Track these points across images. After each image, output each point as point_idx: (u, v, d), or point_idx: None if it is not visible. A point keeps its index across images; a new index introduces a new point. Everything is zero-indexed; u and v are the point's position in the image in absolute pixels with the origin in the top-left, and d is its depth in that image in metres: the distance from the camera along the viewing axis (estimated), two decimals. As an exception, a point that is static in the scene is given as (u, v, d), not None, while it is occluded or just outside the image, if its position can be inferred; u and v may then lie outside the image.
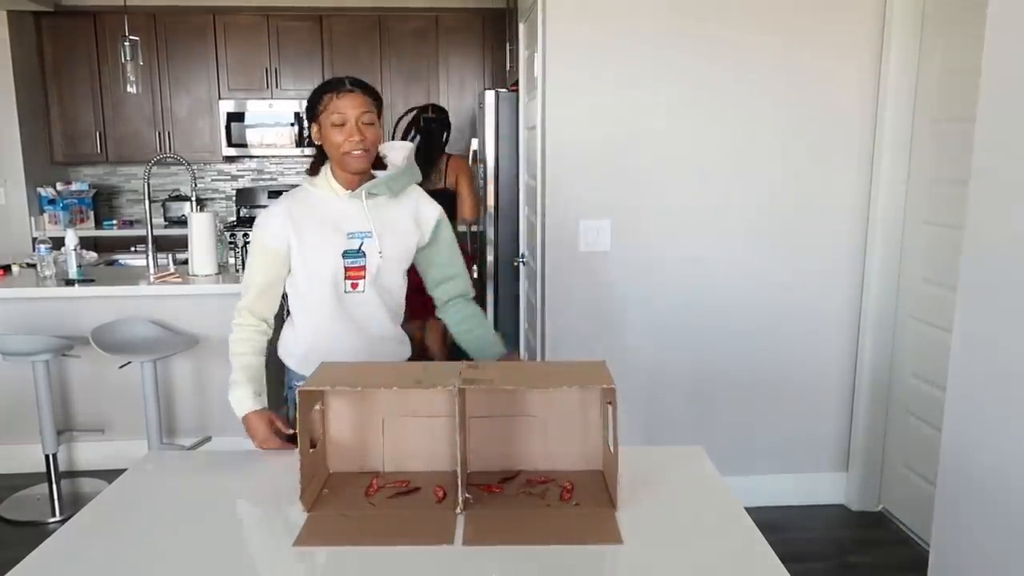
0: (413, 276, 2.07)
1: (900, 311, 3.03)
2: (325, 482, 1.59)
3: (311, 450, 1.55)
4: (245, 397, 1.85)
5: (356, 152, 1.84)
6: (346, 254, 1.89)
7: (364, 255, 1.90)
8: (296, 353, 2.01)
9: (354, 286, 1.92)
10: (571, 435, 1.65)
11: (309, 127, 1.92)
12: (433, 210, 2.02)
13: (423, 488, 1.56)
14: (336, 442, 1.64)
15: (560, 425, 1.65)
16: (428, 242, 2.01)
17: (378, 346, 1.98)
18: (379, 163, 1.98)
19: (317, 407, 1.61)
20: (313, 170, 1.96)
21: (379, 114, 1.90)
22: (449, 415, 1.62)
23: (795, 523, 3.09)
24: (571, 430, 1.65)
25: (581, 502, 1.51)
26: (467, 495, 1.49)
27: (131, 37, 4.12)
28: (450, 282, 2.07)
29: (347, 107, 1.83)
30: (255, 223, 1.96)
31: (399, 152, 2.00)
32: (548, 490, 1.56)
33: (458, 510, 1.46)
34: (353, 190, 1.90)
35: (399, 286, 2.01)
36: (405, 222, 1.96)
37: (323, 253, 1.88)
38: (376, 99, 1.89)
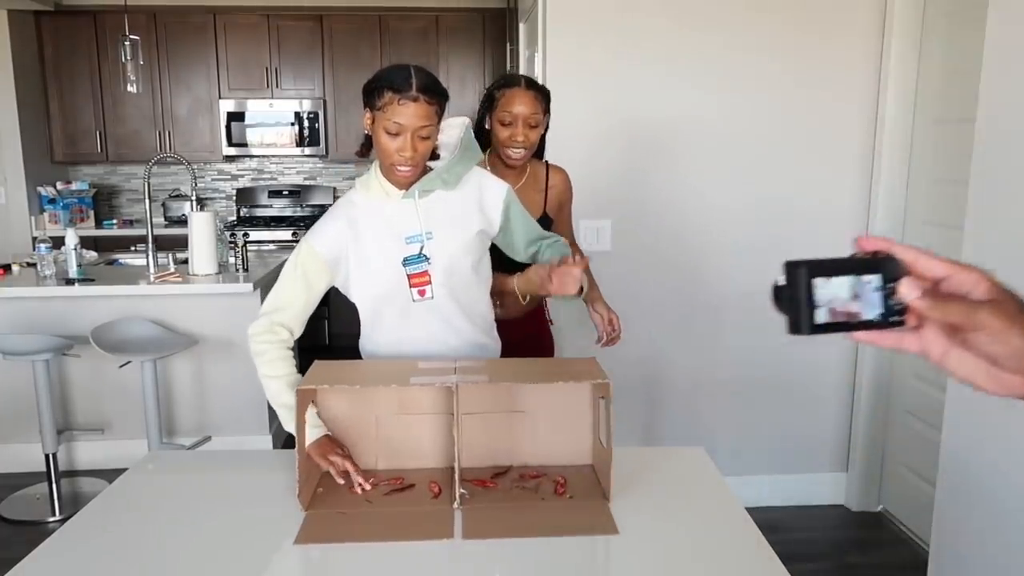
0: None
1: (900, 311, 3.03)
2: (319, 481, 1.60)
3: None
4: (315, 425, 1.61)
5: (403, 168, 1.66)
6: (407, 261, 1.73)
7: (427, 259, 1.73)
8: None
9: (422, 293, 1.74)
10: (562, 431, 1.65)
11: (364, 110, 1.70)
12: (498, 192, 1.81)
13: (418, 485, 1.57)
14: None
15: (551, 421, 1.65)
16: (500, 228, 1.82)
17: (464, 354, 1.80)
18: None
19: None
20: (363, 152, 1.80)
21: (441, 114, 1.68)
22: (440, 412, 1.63)
23: (795, 523, 3.08)
24: (562, 426, 1.65)
25: (575, 496, 1.52)
26: (463, 490, 1.49)
27: (131, 36, 4.13)
28: (534, 251, 1.87)
29: (407, 117, 1.61)
30: (308, 232, 1.76)
31: (451, 131, 1.79)
32: (541, 484, 1.57)
33: (455, 505, 1.47)
34: (406, 189, 1.72)
35: (475, 283, 1.81)
36: (468, 212, 1.78)
37: (381, 263, 1.73)
38: (441, 104, 1.66)
